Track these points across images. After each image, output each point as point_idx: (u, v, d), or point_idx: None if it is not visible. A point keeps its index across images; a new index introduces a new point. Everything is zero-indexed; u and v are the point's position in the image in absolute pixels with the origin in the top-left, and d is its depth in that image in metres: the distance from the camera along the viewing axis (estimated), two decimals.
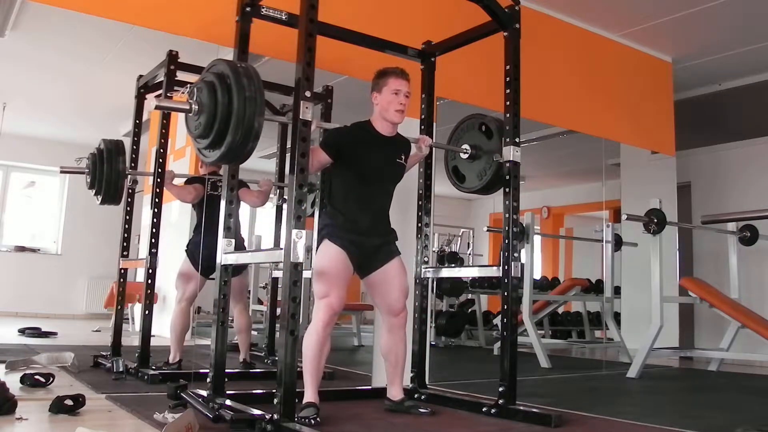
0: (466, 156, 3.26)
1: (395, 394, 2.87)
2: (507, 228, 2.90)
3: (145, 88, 4.26)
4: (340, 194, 2.82)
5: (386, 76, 2.86)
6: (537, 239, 7.20)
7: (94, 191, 3.96)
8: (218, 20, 3.22)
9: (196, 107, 2.35)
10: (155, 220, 3.80)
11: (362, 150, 2.80)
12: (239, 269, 3.91)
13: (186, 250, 3.94)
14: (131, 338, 5.30)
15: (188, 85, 2.38)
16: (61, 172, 4.26)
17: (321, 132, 3.13)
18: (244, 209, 4.58)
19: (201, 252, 3.67)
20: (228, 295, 2.80)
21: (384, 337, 2.88)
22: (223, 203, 2.84)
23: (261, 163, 6.85)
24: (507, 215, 2.92)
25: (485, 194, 3.28)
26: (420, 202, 3.37)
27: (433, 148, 3.28)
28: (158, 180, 3.82)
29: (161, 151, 3.82)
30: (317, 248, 2.76)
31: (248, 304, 4.61)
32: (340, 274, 2.69)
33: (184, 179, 4.11)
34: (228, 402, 2.57)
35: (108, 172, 3.85)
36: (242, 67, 2.32)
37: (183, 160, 6.16)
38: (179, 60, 3.85)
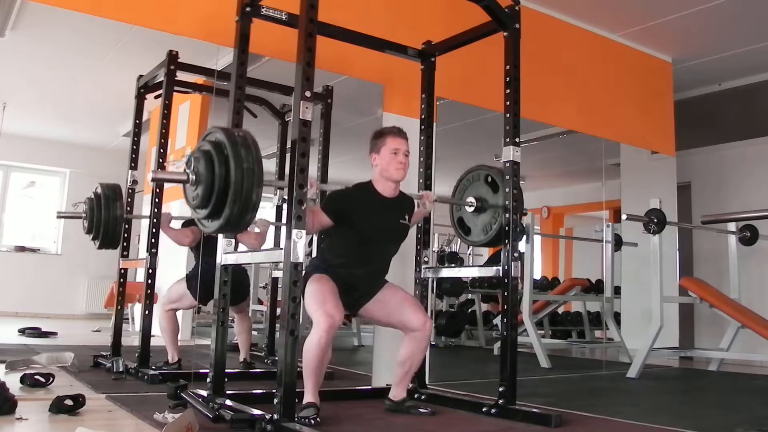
0: (471, 209, 3.21)
1: (398, 394, 2.87)
2: (507, 228, 2.90)
3: (145, 88, 4.26)
4: (338, 248, 2.79)
5: (383, 136, 2.82)
6: (537, 239, 7.19)
7: (91, 236, 3.91)
8: (218, 20, 3.22)
9: (194, 177, 2.30)
10: (155, 220, 3.80)
11: (363, 214, 2.76)
12: (240, 299, 4.00)
13: (186, 278, 3.92)
14: (131, 338, 5.29)
15: (184, 156, 2.35)
16: (58, 217, 4.27)
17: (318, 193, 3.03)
18: None
19: (199, 286, 3.71)
20: (228, 295, 2.80)
21: (406, 346, 2.81)
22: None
23: None
24: (507, 215, 2.92)
25: (490, 247, 3.22)
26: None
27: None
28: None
29: (161, 151, 3.83)
30: (303, 287, 2.66)
31: (249, 304, 4.60)
32: (333, 291, 2.64)
33: (182, 222, 4.04)
34: (228, 402, 2.57)
35: (106, 218, 3.79)
36: (240, 136, 2.26)
37: (183, 160, 6.16)
38: (179, 60, 3.85)
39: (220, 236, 2.82)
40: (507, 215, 2.92)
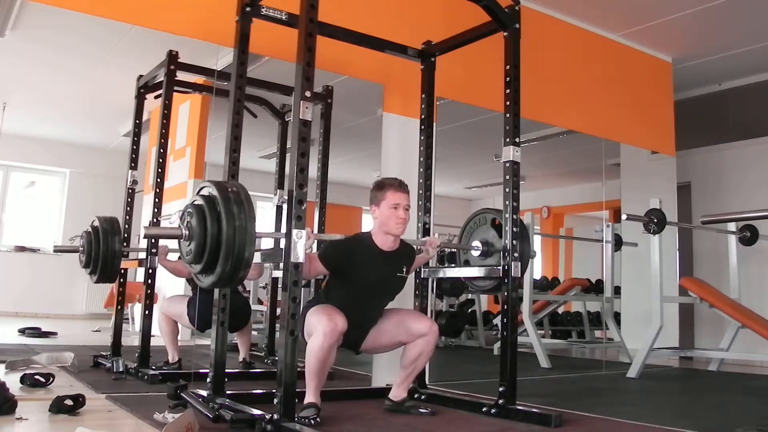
0: (477, 253, 3.19)
1: (398, 395, 2.86)
2: (507, 228, 2.90)
3: (145, 88, 4.26)
4: (333, 297, 2.76)
5: (384, 189, 2.78)
6: (537, 239, 7.20)
7: (88, 270, 3.83)
8: (218, 20, 3.23)
9: (187, 232, 2.30)
10: (155, 220, 3.80)
11: (360, 268, 2.73)
12: (242, 325, 4.00)
13: (187, 303, 3.90)
14: (131, 338, 5.30)
15: (178, 211, 2.35)
16: (55, 251, 4.26)
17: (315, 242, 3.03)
18: None
19: (197, 315, 3.70)
20: (228, 295, 2.80)
21: (412, 348, 2.78)
22: None
23: (261, 162, 6.84)
24: (507, 215, 2.92)
25: (497, 293, 3.17)
26: (420, 202, 3.37)
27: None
28: (158, 181, 3.82)
29: (161, 151, 3.83)
30: (303, 321, 2.64)
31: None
32: (335, 308, 2.62)
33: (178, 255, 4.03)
34: (228, 402, 2.58)
35: (104, 252, 3.70)
36: (233, 192, 2.25)
37: (183, 160, 6.15)
38: (179, 60, 3.85)
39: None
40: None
